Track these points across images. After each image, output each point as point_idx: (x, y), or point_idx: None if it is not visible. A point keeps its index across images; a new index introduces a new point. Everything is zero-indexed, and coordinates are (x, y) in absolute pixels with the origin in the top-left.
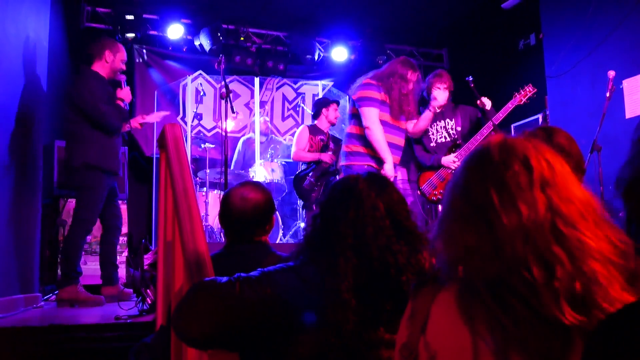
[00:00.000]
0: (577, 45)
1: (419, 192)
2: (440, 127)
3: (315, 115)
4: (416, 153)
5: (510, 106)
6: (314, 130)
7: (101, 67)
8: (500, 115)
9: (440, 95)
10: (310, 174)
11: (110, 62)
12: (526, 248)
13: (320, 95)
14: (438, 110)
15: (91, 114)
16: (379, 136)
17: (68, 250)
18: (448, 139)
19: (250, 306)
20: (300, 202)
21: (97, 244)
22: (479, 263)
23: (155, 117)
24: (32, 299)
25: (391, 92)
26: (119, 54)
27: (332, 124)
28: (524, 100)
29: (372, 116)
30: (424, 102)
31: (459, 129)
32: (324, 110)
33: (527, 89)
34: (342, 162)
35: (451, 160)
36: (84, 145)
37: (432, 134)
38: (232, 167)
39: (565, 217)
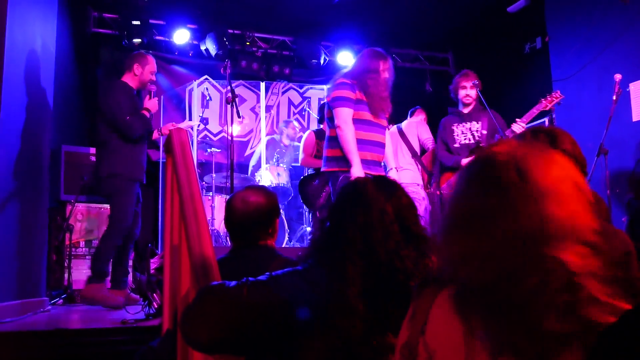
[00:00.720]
0: (583, 49)
1: (438, 192)
2: (466, 128)
3: (322, 120)
4: (438, 153)
5: (535, 111)
6: (320, 134)
7: (130, 79)
8: (524, 120)
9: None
10: (315, 180)
11: (139, 74)
12: (520, 257)
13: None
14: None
15: (116, 124)
16: (349, 137)
17: (100, 251)
18: (472, 141)
19: (257, 310)
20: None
21: None
22: (474, 268)
23: (185, 125)
24: (39, 303)
25: (368, 89)
26: (147, 66)
27: None
28: (549, 106)
29: (343, 115)
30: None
31: (484, 132)
32: None
33: (555, 95)
34: (323, 168)
35: None
36: (112, 155)
37: (457, 135)
38: (253, 164)
39: (561, 228)
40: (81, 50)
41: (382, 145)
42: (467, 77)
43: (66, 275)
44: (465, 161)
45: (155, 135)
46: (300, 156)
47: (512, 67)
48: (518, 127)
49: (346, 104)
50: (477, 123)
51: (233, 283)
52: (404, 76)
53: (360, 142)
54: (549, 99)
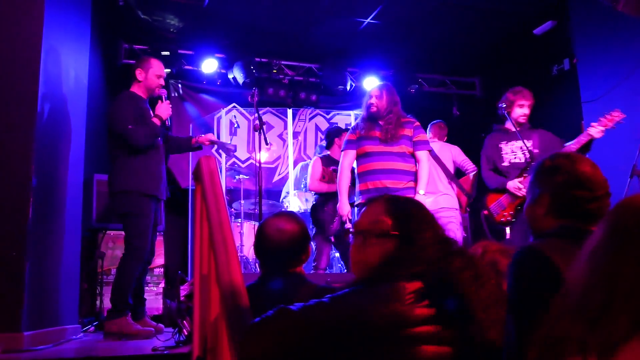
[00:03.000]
0: (613, 70)
1: (486, 212)
2: (516, 147)
3: (328, 145)
4: (483, 172)
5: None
6: (326, 161)
7: (137, 87)
8: (583, 138)
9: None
10: (328, 205)
11: (143, 79)
12: None
13: (351, 127)
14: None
15: (120, 134)
16: (339, 178)
17: (120, 282)
18: (522, 160)
19: (322, 329)
20: None
21: None
22: None
23: (222, 145)
24: (71, 330)
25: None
26: (151, 69)
27: None
28: (610, 125)
29: (341, 159)
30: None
31: (536, 151)
32: (336, 140)
33: (614, 114)
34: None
35: (516, 187)
36: (123, 170)
37: (505, 154)
38: (291, 189)
39: None
40: (112, 82)
41: (387, 172)
42: (525, 97)
43: (98, 302)
44: (510, 185)
45: (192, 142)
46: (308, 181)
47: (539, 89)
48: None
49: (346, 147)
50: (528, 141)
51: (298, 305)
52: (430, 101)
53: (361, 175)
54: (609, 117)
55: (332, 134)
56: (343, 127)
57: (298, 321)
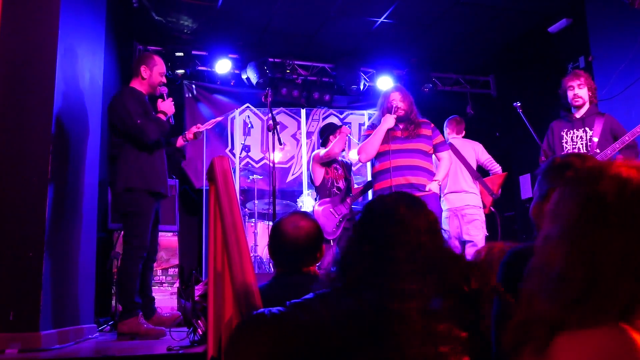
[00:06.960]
0: (629, 67)
1: None
2: (577, 136)
3: (324, 143)
4: (543, 159)
5: None
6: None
7: (139, 84)
8: (638, 130)
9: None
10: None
11: (147, 77)
12: None
13: (367, 125)
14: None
15: (128, 130)
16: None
17: (123, 282)
18: (582, 150)
19: (306, 331)
20: None
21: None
22: None
23: (209, 124)
24: (88, 330)
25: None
26: (155, 67)
27: (342, 150)
28: None
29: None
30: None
31: (595, 139)
32: (331, 137)
33: None
34: None
35: None
36: (126, 168)
37: (566, 142)
38: (305, 189)
39: None
40: (127, 82)
41: (410, 168)
42: (575, 76)
43: (113, 302)
44: None
45: (180, 142)
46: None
47: (555, 88)
48: None
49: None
50: (590, 130)
51: (275, 309)
52: (444, 100)
53: (381, 173)
54: None
55: (326, 131)
56: (356, 126)
57: (273, 326)
